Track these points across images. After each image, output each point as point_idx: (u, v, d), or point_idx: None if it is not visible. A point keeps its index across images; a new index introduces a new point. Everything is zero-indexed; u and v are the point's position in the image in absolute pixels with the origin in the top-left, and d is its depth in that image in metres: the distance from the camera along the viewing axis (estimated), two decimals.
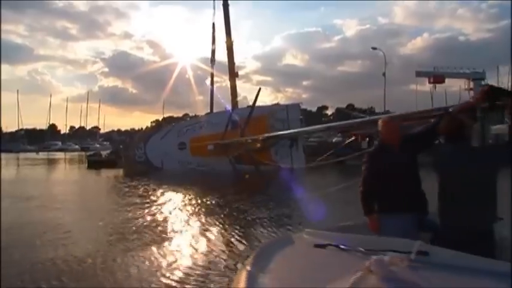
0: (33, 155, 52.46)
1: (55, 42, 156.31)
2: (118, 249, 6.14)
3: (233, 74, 27.48)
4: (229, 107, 23.00)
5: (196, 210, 9.74)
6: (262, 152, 20.62)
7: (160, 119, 72.96)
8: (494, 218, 3.01)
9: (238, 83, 28.48)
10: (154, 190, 13.50)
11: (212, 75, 29.11)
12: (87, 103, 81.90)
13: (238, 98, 26.28)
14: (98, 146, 55.26)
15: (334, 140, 29.18)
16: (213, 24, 28.53)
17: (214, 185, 14.73)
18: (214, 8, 28.06)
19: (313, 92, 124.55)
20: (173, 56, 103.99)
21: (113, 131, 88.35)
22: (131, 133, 68.80)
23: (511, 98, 3.12)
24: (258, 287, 2.08)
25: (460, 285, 2.01)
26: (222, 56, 28.13)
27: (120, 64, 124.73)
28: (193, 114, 28.28)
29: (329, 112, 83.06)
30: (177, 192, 12.94)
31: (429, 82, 40.31)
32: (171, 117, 65.91)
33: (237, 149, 20.51)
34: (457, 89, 43.42)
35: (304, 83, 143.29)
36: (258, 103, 22.53)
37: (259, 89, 23.34)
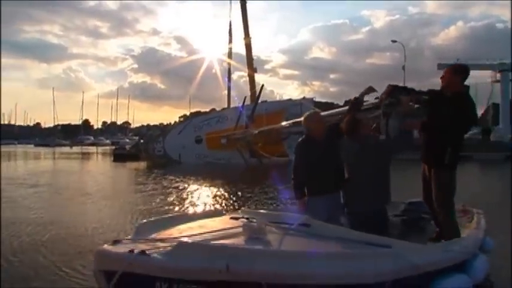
0: (67, 149, 55.21)
1: (87, 40, 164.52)
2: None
3: (251, 69, 28.56)
4: (240, 103, 23.69)
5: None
6: (275, 145, 21.27)
7: (188, 113, 74.56)
8: (387, 200, 3.51)
9: (265, 77, 29.21)
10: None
11: (229, 72, 29.93)
12: (117, 99, 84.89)
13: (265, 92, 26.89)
14: (127, 140, 57.14)
15: None
16: (230, 22, 29.30)
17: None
18: (230, 6, 28.81)
19: (341, 85, 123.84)
20: (200, 51, 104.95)
21: (142, 126, 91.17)
22: (160, 128, 70.89)
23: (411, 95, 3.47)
24: (142, 230, 2.90)
25: (327, 248, 2.61)
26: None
27: (149, 60, 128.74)
28: (220, 109, 28.95)
29: None
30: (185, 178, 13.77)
31: None
32: (198, 112, 67.13)
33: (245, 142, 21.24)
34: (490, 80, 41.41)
35: (332, 76, 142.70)
36: (285, 97, 23.11)
37: (262, 85, 23.70)
